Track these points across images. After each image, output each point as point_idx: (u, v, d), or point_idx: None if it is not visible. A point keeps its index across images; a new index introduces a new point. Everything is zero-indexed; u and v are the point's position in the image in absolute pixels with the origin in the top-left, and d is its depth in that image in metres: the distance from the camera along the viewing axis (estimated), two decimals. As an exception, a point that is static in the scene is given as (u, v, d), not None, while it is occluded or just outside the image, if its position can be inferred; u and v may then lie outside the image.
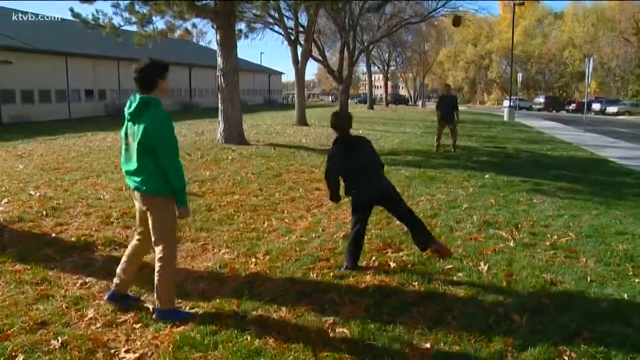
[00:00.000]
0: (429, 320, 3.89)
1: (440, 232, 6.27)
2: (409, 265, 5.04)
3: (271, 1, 21.33)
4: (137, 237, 4.07)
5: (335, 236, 6.06)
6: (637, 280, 4.75)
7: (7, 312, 3.90)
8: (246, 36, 21.95)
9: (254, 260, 5.23)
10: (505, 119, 33.31)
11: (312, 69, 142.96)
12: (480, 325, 3.80)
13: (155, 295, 3.87)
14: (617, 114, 47.45)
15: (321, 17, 31.03)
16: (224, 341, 3.52)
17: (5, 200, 7.61)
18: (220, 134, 15.89)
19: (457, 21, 17.24)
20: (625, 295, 4.38)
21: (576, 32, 67.39)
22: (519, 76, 47.48)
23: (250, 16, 23.01)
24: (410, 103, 76.98)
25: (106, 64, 32.94)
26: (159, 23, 16.64)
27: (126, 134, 3.81)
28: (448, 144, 15.38)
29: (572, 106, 53.45)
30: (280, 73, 72.11)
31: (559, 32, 71.79)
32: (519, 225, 6.61)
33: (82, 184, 8.91)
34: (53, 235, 5.97)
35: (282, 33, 26.05)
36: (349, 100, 39.15)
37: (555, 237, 6.11)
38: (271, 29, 29.22)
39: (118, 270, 4.05)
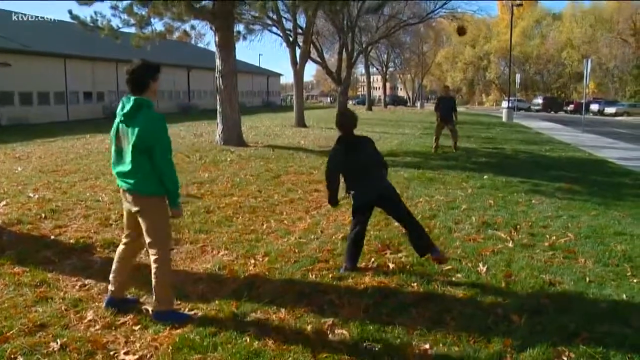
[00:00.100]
0: (428, 321, 3.89)
1: (439, 233, 6.27)
2: (408, 267, 5.04)
3: (269, 2, 21.33)
4: (124, 240, 4.06)
5: (334, 237, 6.06)
6: (635, 281, 4.76)
7: (6, 315, 3.89)
8: (245, 38, 21.96)
9: (253, 261, 5.23)
10: (504, 119, 33.35)
11: (311, 71, 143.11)
12: (479, 326, 3.80)
13: (153, 297, 3.88)
14: (615, 114, 47.49)
15: (320, 19, 31.07)
16: (224, 343, 3.52)
17: (4, 202, 7.60)
18: (219, 135, 15.89)
19: (461, 30, 17.13)
20: (624, 296, 4.39)
21: (574, 33, 67.47)
22: (518, 77, 47.49)
23: (248, 18, 23.02)
24: (408, 104, 77.06)
25: (105, 66, 32.94)
26: (158, 25, 16.66)
27: (117, 135, 3.81)
28: (447, 145, 15.40)
29: (571, 107, 53.49)
30: (279, 75, 72.16)
31: (557, 33, 71.86)
32: (518, 226, 6.62)
33: (80, 186, 8.91)
34: (52, 237, 5.97)
35: (281, 35, 26.07)
36: (348, 102, 39.20)
37: (554, 237, 6.12)
38: (270, 31, 29.26)
39: (111, 276, 4.05)
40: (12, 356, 3.33)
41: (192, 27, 19.63)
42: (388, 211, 5.13)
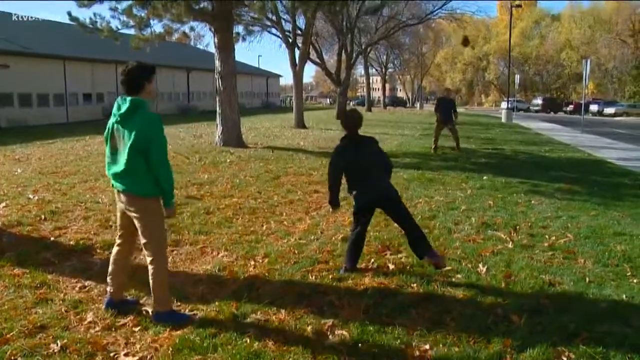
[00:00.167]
0: (427, 321, 3.90)
1: (439, 233, 6.28)
2: (408, 267, 5.04)
3: (269, 3, 21.35)
4: (118, 241, 4.06)
5: (333, 238, 6.07)
6: (635, 281, 4.76)
7: (6, 316, 3.89)
8: (244, 39, 22.02)
9: (252, 262, 5.23)
10: (503, 120, 33.37)
11: (310, 72, 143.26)
12: (479, 327, 3.80)
13: (152, 298, 3.88)
14: (614, 115, 47.53)
15: (319, 20, 31.11)
16: (224, 344, 3.52)
17: (4, 204, 7.60)
18: (219, 136, 15.89)
19: (466, 42, 16.90)
20: (624, 296, 4.39)
21: (573, 34, 67.55)
22: (517, 78, 47.54)
23: (248, 19, 23.03)
24: (408, 105, 77.09)
25: (104, 68, 32.95)
26: (157, 26, 16.66)
27: (111, 136, 3.81)
28: (446, 146, 15.42)
29: (570, 107, 53.51)
30: (278, 76, 72.18)
31: (556, 34, 71.93)
32: (518, 227, 6.62)
33: (80, 187, 8.91)
34: (52, 239, 5.97)
35: (280, 36, 26.08)
36: (347, 103, 39.23)
37: (554, 238, 6.12)
38: (269, 32, 29.30)
39: (108, 278, 4.06)
40: (12, 358, 3.33)
41: (192, 29, 19.71)
42: (388, 213, 5.10)
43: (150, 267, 3.83)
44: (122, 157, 3.71)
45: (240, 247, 5.77)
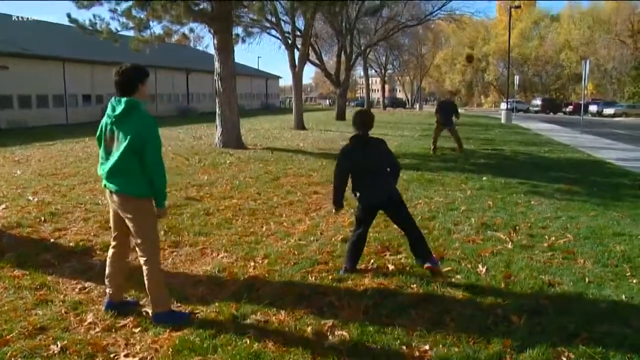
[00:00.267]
0: (427, 322, 3.90)
1: (439, 234, 6.28)
2: (407, 268, 5.04)
3: (268, 5, 21.36)
4: (113, 243, 4.06)
5: (333, 239, 6.07)
6: (634, 281, 4.77)
7: (6, 318, 3.89)
8: (243, 40, 22.01)
9: (252, 264, 5.24)
10: (503, 121, 33.37)
11: (310, 73, 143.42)
12: (478, 327, 3.81)
13: (149, 299, 3.89)
14: (613, 115, 47.56)
15: (318, 21, 31.14)
16: (224, 345, 3.52)
17: (4, 206, 7.60)
18: (218, 138, 15.90)
19: (470, 59, 16.65)
20: (623, 296, 4.39)
21: (572, 35, 67.57)
22: (516, 79, 47.52)
23: (247, 20, 23.04)
24: (407, 106, 77.11)
25: (103, 69, 32.91)
26: (157, 28, 16.70)
27: (105, 136, 3.81)
28: (446, 147, 15.43)
29: (569, 108, 53.54)
30: (278, 77, 72.32)
31: (555, 35, 71.95)
32: (517, 227, 6.63)
33: (80, 189, 8.91)
34: (52, 240, 5.97)
35: (279, 37, 26.10)
36: (347, 104, 39.26)
37: (553, 238, 6.13)
38: (268, 33, 29.35)
39: (107, 280, 4.06)
40: (12, 359, 3.33)
41: (191, 30, 19.76)
42: (391, 215, 5.08)
43: (144, 268, 3.84)
44: (117, 158, 3.70)
45: (240, 248, 5.77)
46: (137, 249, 3.90)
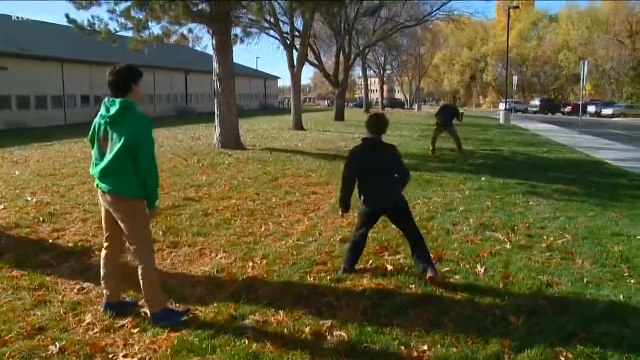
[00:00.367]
0: (426, 322, 3.90)
1: (437, 235, 6.29)
2: (406, 268, 5.04)
3: (267, 5, 21.37)
4: (105, 244, 4.04)
5: (332, 240, 6.07)
6: (633, 282, 4.78)
7: (5, 318, 3.89)
8: (242, 41, 21.97)
9: (251, 264, 5.24)
10: (501, 122, 33.40)
11: (308, 74, 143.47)
12: (477, 327, 3.81)
13: (145, 300, 3.90)
14: (612, 116, 47.64)
15: (317, 22, 31.16)
16: (222, 345, 3.52)
17: (2, 206, 7.59)
18: (217, 138, 15.89)
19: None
20: (622, 296, 4.40)
21: (571, 35, 67.66)
22: (515, 79, 47.62)
23: (246, 21, 23.03)
24: (406, 107, 77.13)
25: (102, 70, 32.39)
26: (155, 28, 16.70)
27: (98, 137, 3.81)
28: (445, 148, 15.44)
29: (568, 109, 53.64)
30: (277, 78, 72.27)
31: (554, 35, 72.04)
32: (516, 228, 6.63)
33: (78, 190, 8.90)
34: (50, 241, 5.97)
35: (278, 38, 26.10)
36: (345, 105, 39.28)
37: (552, 239, 6.13)
38: (267, 34, 29.38)
39: (103, 282, 4.06)
40: (11, 360, 3.33)
41: (190, 31, 19.86)
42: (395, 222, 5.03)
43: (139, 269, 3.85)
44: (111, 158, 3.70)
45: (238, 248, 5.77)
46: (130, 250, 3.90)
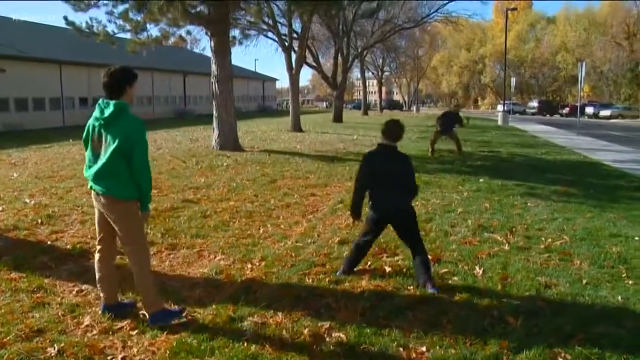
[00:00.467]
0: (424, 323, 3.90)
1: (435, 236, 6.29)
2: (404, 270, 5.04)
3: (265, 6, 21.39)
4: (98, 247, 4.02)
5: (330, 241, 6.07)
6: (630, 282, 4.79)
7: (3, 320, 3.89)
8: (240, 43, 21.99)
9: (249, 266, 5.24)
10: (499, 123, 33.42)
11: (307, 75, 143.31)
12: (475, 328, 3.82)
13: (141, 301, 3.90)
14: (609, 117, 47.75)
15: (315, 24, 31.17)
16: (221, 347, 3.52)
17: (0, 208, 7.59)
18: (215, 140, 15.89)
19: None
20: (619, 297, 4.41)
21: (569, 37, 67.79)
22: (513, 81, 47.73)
23: (244, 23, 23.06)
24: (404, 108, 77.21)
25: (100, 72, 32.54)
26: (153, 30, 16.72)
27: (92, 138, 3.81)
28: (443, 149, 15.45)
29: (566, 110, 53.72)
30: (275, 79, 72.26)
31: (551, 37, 72.18)
32: (514, 229, 6.64)
33: (77, 191, 8.89)
34: (48, 243, 5.96)
35: (276, 40, 26.15)
36: (343, 106, 39.31)
37: (550, 240, 6.14)
38: (265, 36, 29.39)
39: (98, 285, 4.06)
40: (9, 362, 3.33)
41: (188, 33, 19.85)
42: (400, 233, 4.92)
43: (134, 271, 3.85)
44: (105, 160, 3.69)
45: (237, 250, 5.77)
46: (125, 251, 3.90)
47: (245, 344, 3.56)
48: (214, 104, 15.88)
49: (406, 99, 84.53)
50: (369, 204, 4.84)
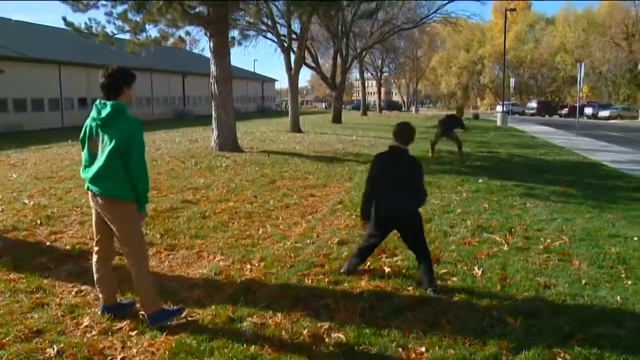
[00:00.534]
0: (423, 324, 3.91)
1: (435, 237, 6.29)
2: (404, 270, 5.05)
3: (264, 7, 21.39)
4: (96, 248, 4.02)
5: (329, 242, 6.07)
6: (629, 283, 4.79)
7: (2, 321, 3.89)
8: (239, 43, 22.06)
9: (249, 266, 5.24)
10: (499, 124, 33.44)
11: (306, 76, 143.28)
12: (474, 329, 3.82)
13: (140, 302, 3.91)
14: (608, 118, 47.80)
15: (314, 24, 31.18)
16: (220, 347, 3.52)
17: (-1, 209, 7.59)
18: (214, 141, 15.89)
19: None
20: (618, 297, 4.42)
21: (567, 37, 67.86)
22: (512, 81, 47.74)
23: (243, 23, 23.08)
24: (403, 109, 77.25)
25: (99, 73, 32.87)
26: (152, 31, 16.73)
27: (89, 139, 3.81)
28: (443, 150, 15.45)
29: (565, 111, 53.75)
30: (274, 80, 72.29)
31: (550, 38, 72.25)
32: (513, 229, 6.65)
33: (76, 192, 8.88)
34: (47, 243, 5.96)
35: (275, 40, 26.14)
36: (343, 107, 39.31)
37: (549, 240, 6.15)
38: (264, 37, 29.41)
39: (97, 287, 4.06)
40: (9, 363, 3.33)
41: (187, 33, 19.79)
42: (404, 237, 4.89)
43: (133, 271, 3.86)
44: (101, 161, 3.69)
45: (236, 251, 5.77)
46: (123, 252, 3.90)
47: (245, 345, 3.56)
48: (213, 104, 15.87)
49: (405, 99, 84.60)
50: (374, 205, 4.78)
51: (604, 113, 48.83)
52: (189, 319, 4.00)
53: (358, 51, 40.43)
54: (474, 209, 7.90)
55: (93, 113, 3.75)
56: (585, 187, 9.97)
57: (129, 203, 3.76)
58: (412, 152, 4.86)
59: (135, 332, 3.77)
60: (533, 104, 59.85)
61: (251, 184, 9.90)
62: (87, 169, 3.84)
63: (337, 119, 33.36)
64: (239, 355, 3.42)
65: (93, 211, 3.94)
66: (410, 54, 60.81)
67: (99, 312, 4.04)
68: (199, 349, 3.49)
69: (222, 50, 15.40)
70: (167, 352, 3.46)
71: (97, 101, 3.78)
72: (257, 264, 5.30)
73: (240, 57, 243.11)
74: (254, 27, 26.04)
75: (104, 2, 15.06)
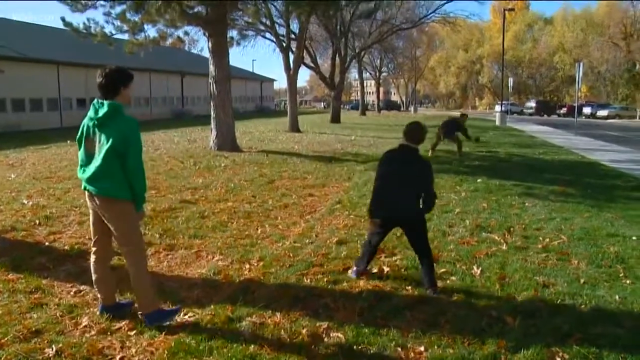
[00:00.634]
0: (422, 323, 3.91)
1: (433, 236, 6.28)
2: (403, 270, 5.06)
3: (263, 7, 21.38)
4: (94, 248, 4.01)
5: (328, 242, 6.07)
6: (628, 282, 4.80)
7: (1, 321, 3.88)
8: (238, 43, 22.01)
9: (247, 266, 5.24)
10: (497, 123, 33.44)
11: (304, 76, 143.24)
12: (473, 328, 3.82)
13: (137, 301, 3.92)
14: (607, 117, 47.82)
15: (313, 24, 31.19)
16: (219, 347, 3.52)
17: (-2, 209, 7.58)
18: (213, 141, 15.89)
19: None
20: (617, 297, 4.42)
21: (566, 37, 67.86)
22: (510, 81, 47.70)
23: (242, 23, 23.07)
24: (402, 109, 77.28)
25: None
26: (151, 31, 16.75)
27: (86, 138, 3.81)
28: (443, 150, 15.45)
29: (563, 110, 53.77)
30: (272, 80, 72.28)
31: (549, 37, 72.26)
32: (512, 229, 6.65)
33: (74, 192, 8.87)
34: (46, 243, 5.95)
35: (274, 40, 26.14)
36: (341, 107, 39.32)
37: (548, 240, 6.15)
38: (263, 37, 29.41)
39: (95, 287, 4.06)
40: (7, 363, 3.32)
41: (186, 33, 19.70)
42: (408, 238, 4.88)
43: (131, 271, 3.85)
44: (98, 161, 3.69)
45: (235, 250, 5.77)
46: (122, 252, 3.90)
47: (244, 344, 3.56)
48: (211, 104, 15.88)
49: (404, 99, 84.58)
50: (381, 202, 4.76)
51: (603, 112, 48.85)
52: (188, 318, 4.00)
53: (357, 51, 40.48)
54: (472, 208, 7.90)
55: (90, 112, 3.75)
56: (583, 186, 9.98)
57: (126, 203, 3.76)
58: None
59: (134, 331, 3.77)
60: (532, 104, 59.85)
61: (250, 184, 9.90)
62: (84, 169, 3.83)
63: (335, 119, 33.38)
64: (238, 354, 3.42)
65: (90, 211, 3.94)
66: (408, 54, 60.84)
67: (98, 312, 4.04)
68: (198, 349, 3.49)
69: (220, 50, 15.40)
70: (166, 352, 3.45)
71: (95, 100, 3.78)
72: (256, 264, 5.30)
73: (239, 57, 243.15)
74: (252, 27, 26.05)
75: (102, 2, 15.08)
